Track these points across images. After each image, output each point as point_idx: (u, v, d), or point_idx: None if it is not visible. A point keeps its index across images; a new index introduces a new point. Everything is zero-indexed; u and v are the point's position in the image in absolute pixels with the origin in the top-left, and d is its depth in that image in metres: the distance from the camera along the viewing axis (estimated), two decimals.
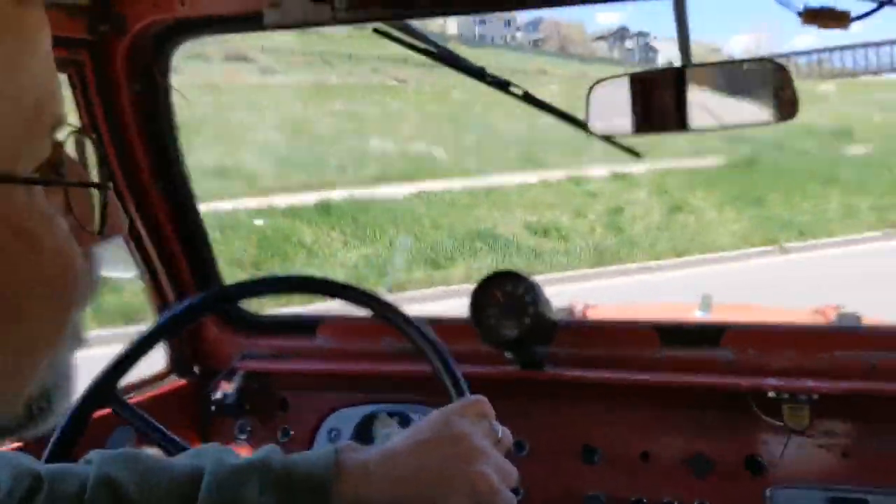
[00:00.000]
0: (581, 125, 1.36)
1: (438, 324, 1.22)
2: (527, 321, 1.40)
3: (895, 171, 17.55)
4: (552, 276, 11.23)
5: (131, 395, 1.48)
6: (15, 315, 0.45)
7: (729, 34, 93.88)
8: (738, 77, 1.32)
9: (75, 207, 0.49)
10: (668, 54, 43.51)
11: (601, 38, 51.50)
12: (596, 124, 1.34)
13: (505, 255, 12.33)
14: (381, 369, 1.54)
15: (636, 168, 16.59)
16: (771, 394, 1.30)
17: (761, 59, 1.32)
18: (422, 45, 1.34)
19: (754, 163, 16.69)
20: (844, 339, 1.35)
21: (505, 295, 1.43)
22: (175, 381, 1.63)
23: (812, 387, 1.29)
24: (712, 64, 1.51)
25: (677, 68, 1.28)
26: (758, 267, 11.97)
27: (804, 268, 11.44)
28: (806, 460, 1.33)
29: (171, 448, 1.10)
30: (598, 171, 16.41)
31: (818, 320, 2.40)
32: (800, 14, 1.08)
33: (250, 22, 1.30)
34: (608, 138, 1.39)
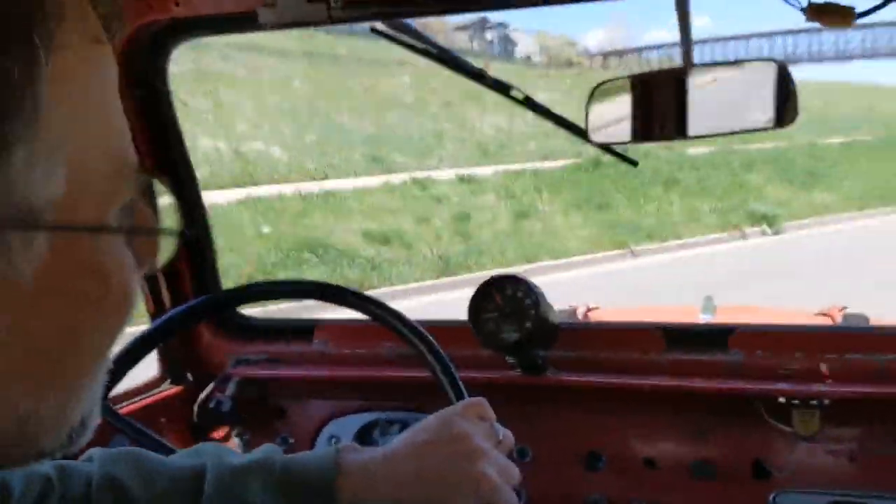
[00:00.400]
0: (580, 132, 1.35)
1: (437, 327, 1.20)
2: (528, 325, 1.37)
3: (735, 172, 17.84)
4: (394, 290, 9.85)
5: (124, 403, 1.46)
6: (76, 352, 0.47)
7: (585, 29, 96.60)
8: (739, 78, 1.31)
9: (134, 242, 0.50)
10: (526, 48, 43.34)
11: (462, 28, 50.92)
12: (595, 132, 1.32)
13: (337, 267, 10.84)
14: (380, 375, 1.51)
15: (482, 171, 15.65)
16: (781, 399, 1.29)
17: (765, 59, 1.29)
18: (420, 45, 1.34)
19: (600, 164, 16.20)
20: (854, 340, 1.33)
21: (504, 298, 1.39)
22: (169, 389, 1.59)
23: (823, 391, 1.28)
24: (714, 64, 1.48)
25: (678, 69, 1.29)
26: (609, 271, 11.34)
27: (657, 270, 10.94)
28: (813, 465, 1.33)
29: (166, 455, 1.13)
30: (445, 173, 15.32)
31: (823, 322, 2.33)
32: (803, 10, 1.05)
33: (246, 22, 1.30)
34: (606, 147, 1.38)
